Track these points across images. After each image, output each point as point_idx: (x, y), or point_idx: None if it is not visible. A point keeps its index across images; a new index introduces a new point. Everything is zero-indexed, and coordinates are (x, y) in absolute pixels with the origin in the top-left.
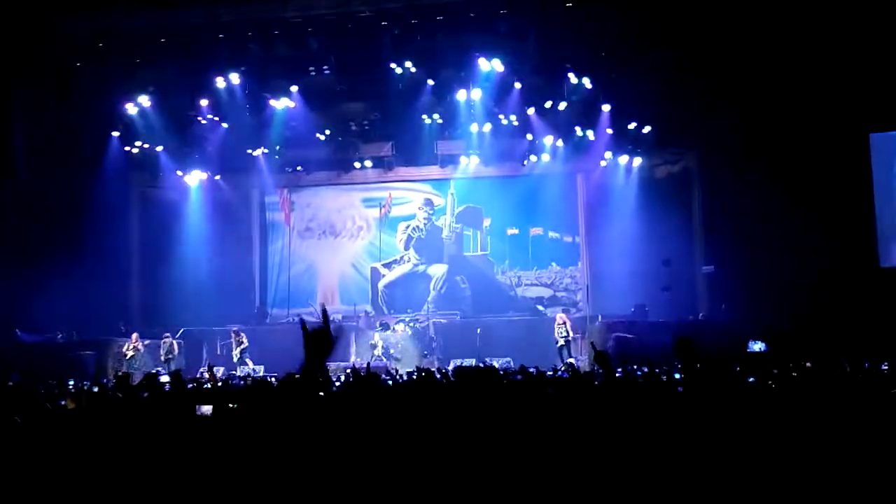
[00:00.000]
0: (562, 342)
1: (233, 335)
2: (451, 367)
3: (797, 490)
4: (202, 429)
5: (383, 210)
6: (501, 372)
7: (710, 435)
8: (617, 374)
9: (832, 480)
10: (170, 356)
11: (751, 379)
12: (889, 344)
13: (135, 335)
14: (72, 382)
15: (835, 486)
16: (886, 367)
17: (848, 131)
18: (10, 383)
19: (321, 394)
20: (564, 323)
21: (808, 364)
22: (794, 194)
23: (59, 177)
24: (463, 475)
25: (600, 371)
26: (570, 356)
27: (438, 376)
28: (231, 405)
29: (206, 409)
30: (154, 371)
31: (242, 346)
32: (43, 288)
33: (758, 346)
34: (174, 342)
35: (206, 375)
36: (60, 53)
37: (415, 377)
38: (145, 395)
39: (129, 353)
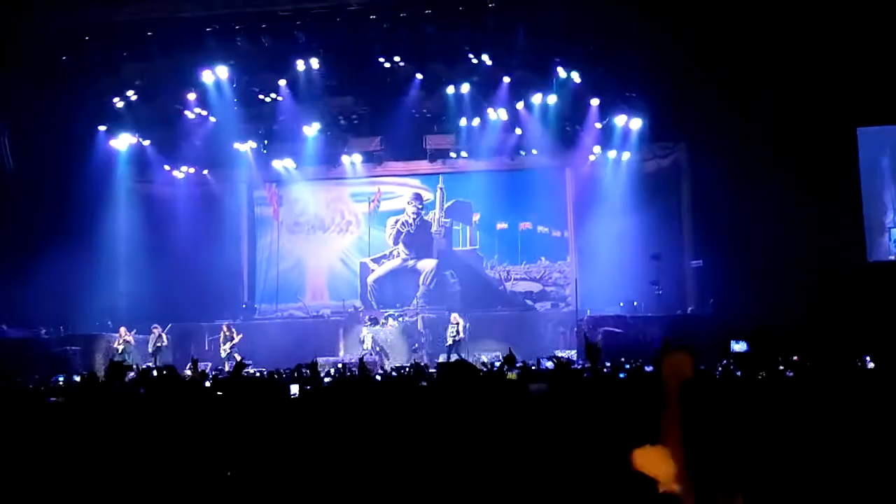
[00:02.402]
0: (450, 341)
1: (224, 330)
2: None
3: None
4: (195, 422)
5: (372, 205)
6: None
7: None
8: (605, 369)
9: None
10: (158, 345)
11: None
12: (876, 338)
13: (122, 328)
14: (61, 378)
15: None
16: (871, 363)
17: (836, 125)
18: None
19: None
20: (457, 323)
21: (795, 358)
22: (783, 189)
23: (45, 171)
24: (446, 469)
25: (587, 364)
26: (457, 356)
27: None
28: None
29: None
30: (146, 366)
31: (233, 342)
32: (29, 282)
33: (739, 347)
34: (163, 334)
35: (189, 373)
36: (46, 47)
37: (403, 373)
38: (142, 390)
39: (121, 347)
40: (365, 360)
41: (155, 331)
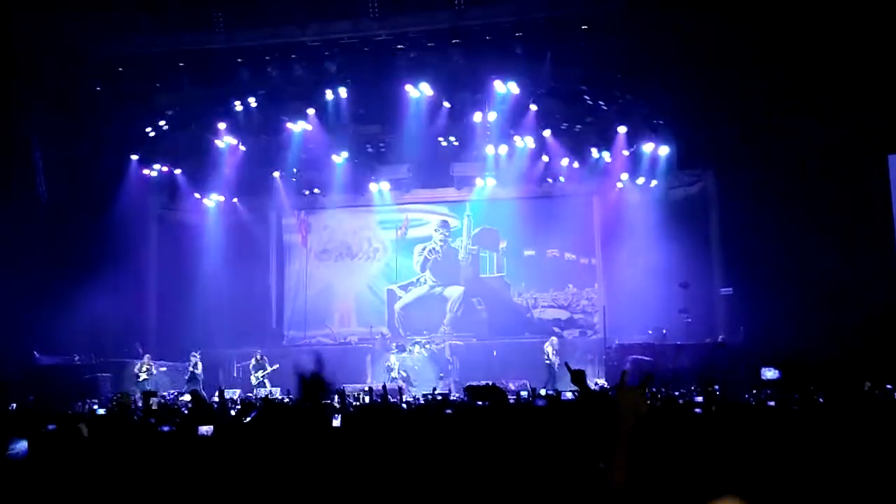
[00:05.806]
0: (550, 361)
1: (256, 357)
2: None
3: None
4: (210, 452)
5: (400, 232)
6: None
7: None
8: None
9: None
10: (195, 372)
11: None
12: None
13: (146, 356)
14: (96, 405)
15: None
16: None
17: (866, 153)
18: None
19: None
20: (550, 346)
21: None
22: (813, 216)
23: (78, 199)
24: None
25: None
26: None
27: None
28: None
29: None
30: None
31: (265, 371)
32: (61, 310)
33: (771, 374)
34: (199, 361)
35: (217, 399)
36: (81, 77)
37: (429, 399)
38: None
39: (143, 376)
40: (390, 387)
41: (193, 358)
